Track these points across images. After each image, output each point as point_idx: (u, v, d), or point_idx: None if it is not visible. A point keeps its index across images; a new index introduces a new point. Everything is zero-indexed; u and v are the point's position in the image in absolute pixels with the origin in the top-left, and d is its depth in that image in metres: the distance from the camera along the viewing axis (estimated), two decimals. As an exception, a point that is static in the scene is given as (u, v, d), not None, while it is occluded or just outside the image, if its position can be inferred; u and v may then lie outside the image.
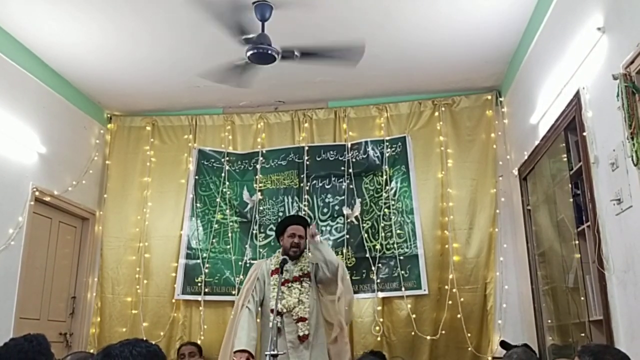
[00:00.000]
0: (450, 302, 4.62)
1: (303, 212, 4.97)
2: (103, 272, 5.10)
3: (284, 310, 3.78)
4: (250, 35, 3.66)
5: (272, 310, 3.75)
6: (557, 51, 3.46)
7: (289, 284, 3.87)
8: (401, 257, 4.77)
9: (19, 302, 4.15)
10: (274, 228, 4.89)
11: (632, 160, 2.41)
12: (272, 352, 2.99)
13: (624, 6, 2.58)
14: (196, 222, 5.12)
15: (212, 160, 5.29)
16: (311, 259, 3.95)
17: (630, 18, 2.51)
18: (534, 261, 4.25)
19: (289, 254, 3.93)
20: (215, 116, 5.43)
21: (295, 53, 3.75)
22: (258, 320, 3.98)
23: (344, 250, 4.86)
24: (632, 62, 2.45)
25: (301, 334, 3.75)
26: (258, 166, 5.20)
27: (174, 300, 4.98)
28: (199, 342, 4.73)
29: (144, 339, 1.63)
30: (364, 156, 5.08)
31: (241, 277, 4.87)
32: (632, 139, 2.40)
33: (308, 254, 3.97)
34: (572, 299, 3.52)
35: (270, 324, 3.72)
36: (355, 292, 4.75)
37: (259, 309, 3.96)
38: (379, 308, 4.72)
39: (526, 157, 4.23)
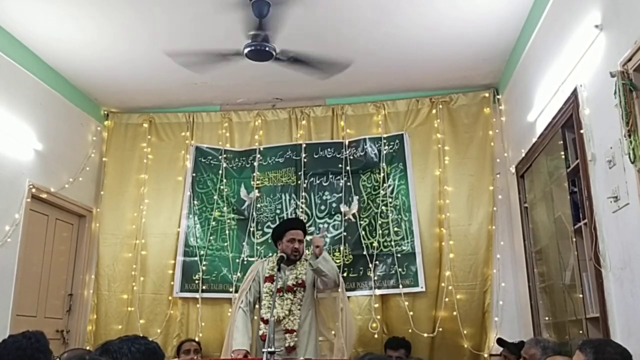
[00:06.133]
0: (447, 299, 4.62)
1: (300, 210, 4.97)
2: (99, 269, 5.08)
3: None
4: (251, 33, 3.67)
5: (262, 319, 3.83)
6: (555, 49, 3.46)
7: (281, 294, 3.86)
8: (398, 255, 4.77)
9: (15, 299, 4.15)
10: (272, 225, 4.90)
11: (629, 157, 2.41)
12: (270, 350, 2.98)
13: (621, 3, 2.59)
14: (193, 220, 5.11)
15: (210, 158, 5.28)
16: (313, 267, 3.84)
17: (627, 15, 2.52)
18: (531, 259, 4.26)
19: (289, 257, 3.93)
20: (212, 113, 5.42)
21: (283, 58, 3.76)
22: (255, 317, 4.00)
23: (342, 248, 4.86)
24: (629, 60, 2.45)
25: (287, 344, 3.77)
26: (255, 163, 5.19)
27: (170, 298, 4.97)
28: (197, 339, 4.73)
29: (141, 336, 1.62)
30: (362, 153, 5.07)
31: (239, 274, 4.87)
32: (629, 136, 2.40)
33: (309, 261, 3.89)
34: (568, 297, 3.53)
35: (261, 331, 3.79)
36: (352, 290, 4.78)
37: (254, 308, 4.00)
38: (376, 305, 4.72)
39: (523, 155, 4.24)
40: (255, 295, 3.98)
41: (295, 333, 3.78)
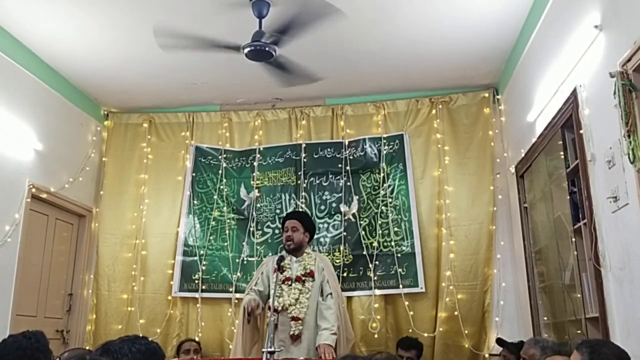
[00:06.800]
0: (447, 299, 4.62)
1: (300, 210, 4.97)
2: (99, 269, 5.08)
3: (280, 308, 3.80)
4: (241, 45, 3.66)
5: (269, 307, 3.79)
6: (554, 49, 3.46)
7: (290, 282, 3.87)
8: (398, 255, 4.77)
9: (15, 299, 4.15)
10: (272, 225, 4.93)
11: (629, 158, 2.41)
12: (269, 349, 2.99)
13: (621, 4, 2.59)
14: (193, 220, 5.12)
15: (209, 157, 5.28)
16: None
17: (627, 15, 2.52)
18: (531, 259, 4.26)
19: (285, 248, 3.96)
20: (212, 113, 5.42)
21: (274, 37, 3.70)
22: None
23: (341, 248, 4.86)
24: (629, 60, 2.45)
25: (291, 332, 3.77)
26: (255, 163, 5.19)
27: (170, 298, 4.98)
28: (197, 339, 4.73)
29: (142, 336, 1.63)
30: (362, 153, 5.07)
31: (238, 274, 4.88)
32: (629, 136, 2.41)
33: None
34: (568, 296, 3.54)
35: (267, 320, 3.76)
36: (352, 290, 4.79)
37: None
38: (376, 305, 4.72)
39: (523, 155, 4.24)
40: (264, 288, 3.96)
41: (300, 321, 3.78)
